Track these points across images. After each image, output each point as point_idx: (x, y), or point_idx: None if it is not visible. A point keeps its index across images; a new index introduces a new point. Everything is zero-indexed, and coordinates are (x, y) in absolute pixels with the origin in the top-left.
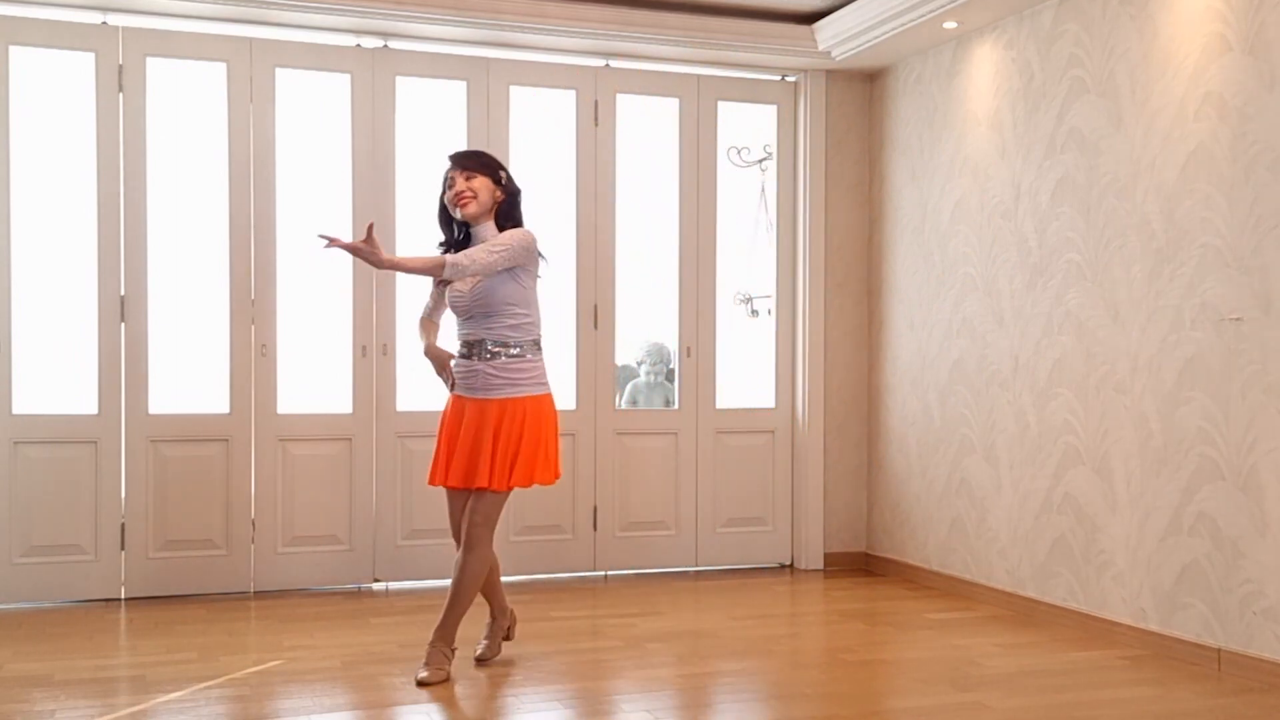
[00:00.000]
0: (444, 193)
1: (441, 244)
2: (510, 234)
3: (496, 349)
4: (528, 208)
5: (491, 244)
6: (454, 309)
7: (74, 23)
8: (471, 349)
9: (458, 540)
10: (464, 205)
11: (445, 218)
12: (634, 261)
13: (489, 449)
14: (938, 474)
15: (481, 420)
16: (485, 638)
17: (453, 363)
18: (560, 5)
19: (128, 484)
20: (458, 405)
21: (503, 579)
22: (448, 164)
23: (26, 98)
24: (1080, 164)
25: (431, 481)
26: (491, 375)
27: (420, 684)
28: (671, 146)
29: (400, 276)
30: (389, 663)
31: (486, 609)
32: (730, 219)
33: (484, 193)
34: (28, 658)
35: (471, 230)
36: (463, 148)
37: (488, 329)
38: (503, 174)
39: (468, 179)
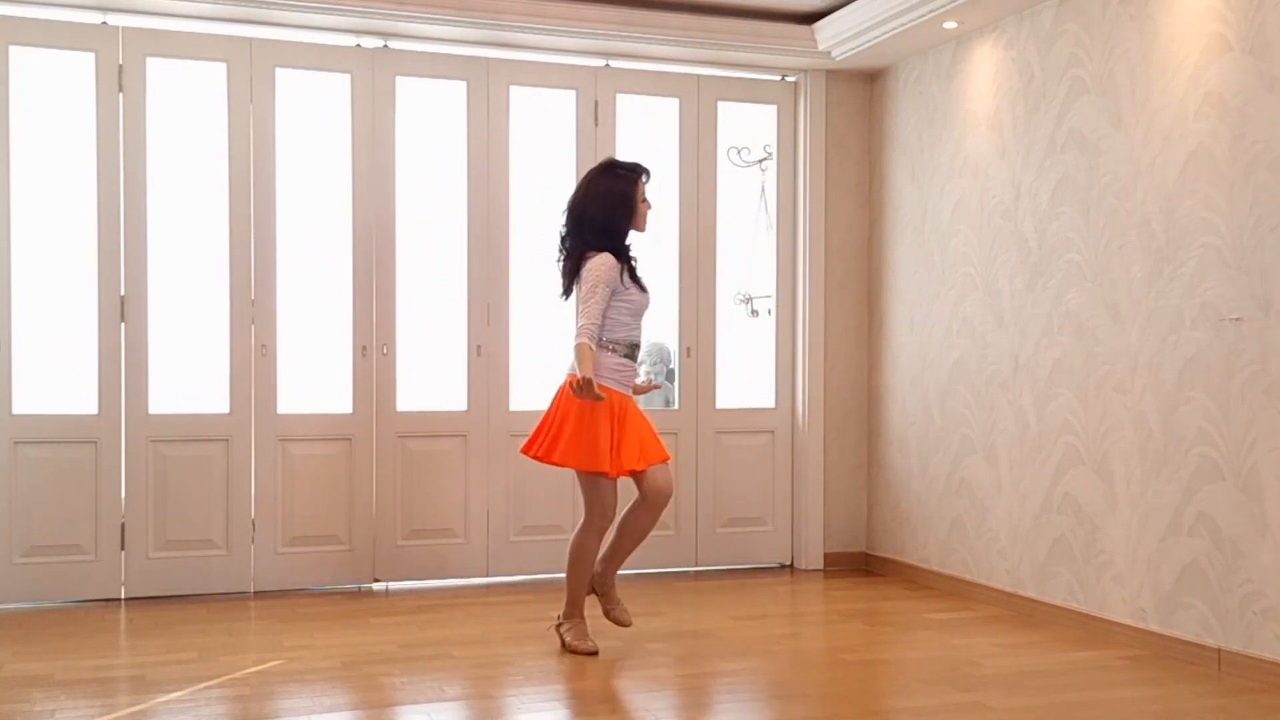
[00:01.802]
0: (634, 197)
1: (618, 242)
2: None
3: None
4: (527, 208)
5: (584, 291)
6: (634, 313)
7: (74, 23)
8: (633, 350)
9: (610, 525)
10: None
11: (625, 222)
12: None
13: (649, 431)
14: (938, 474)
15: (634, 409)
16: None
17: (614, 362)
18: (560, 5)
19: (128, 484)
20: (620, 400)
21: (503, 579)
22: (638, 170)
23: (26, 98)
24: (1080, 164)
25: (625, 471)
26: (636, 372)
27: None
28: (671, 146)
29: (400, 276)
30: (389, 663)
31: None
32: (730, 219)
33: None
34: (28, 658)
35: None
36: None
37: (642, 332)
38: None
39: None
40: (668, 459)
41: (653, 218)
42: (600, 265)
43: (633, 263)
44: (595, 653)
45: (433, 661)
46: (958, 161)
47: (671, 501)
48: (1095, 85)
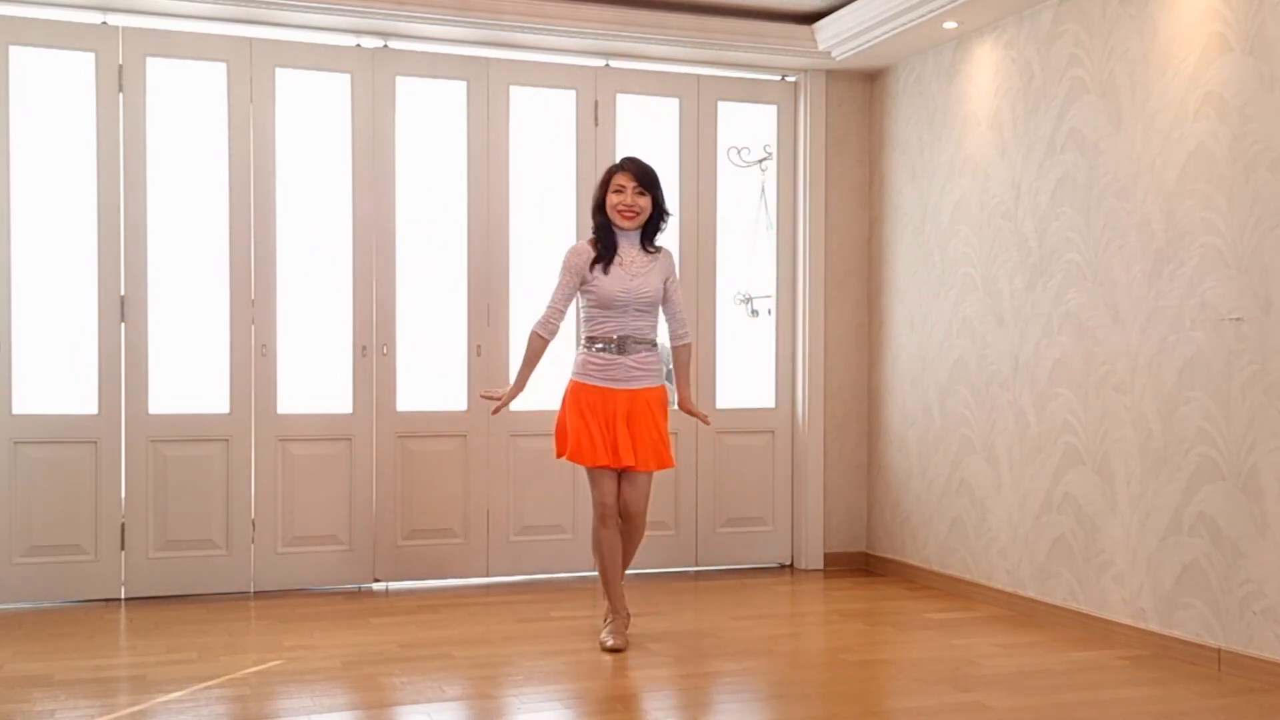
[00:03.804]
0: (605, 190)
1: (594, 231)
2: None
3: (641, 344)
4: (528, 208)
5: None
6: (600, 305)
7: (74, 23)
8: (608, 344)
9: (611, 515)
10: (630, 219)
11: (600, 210)
12: None
13: (646, 436)
14: (938, 474)
15: (640, 409)
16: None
17: (583, 357)
18: (560, 5)
19: (128, 484)
20: (602, 394)
21: (503, 579)
22: (618, 163)
23: (26, 98)
24: (1080, 164)
25: (594, 462)
26: (634, 367)
27: (613, 650)
28: (671, 146)
29: (400, 276)
30: (389, 663)
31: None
32: (730, 219)
33: (644, 213)
34: (28, 658)
35: (618, 233)
36: (635, 156)
37: (629, 324)
38: (661, 194)
39: (639, 194)
40: (646, 469)
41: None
42: (567, 251)
43: (613, 252)
44: (614, 650)
45: (433, 661)
46: (958, 161)
47: (672, 501)
48: (1095, 85)
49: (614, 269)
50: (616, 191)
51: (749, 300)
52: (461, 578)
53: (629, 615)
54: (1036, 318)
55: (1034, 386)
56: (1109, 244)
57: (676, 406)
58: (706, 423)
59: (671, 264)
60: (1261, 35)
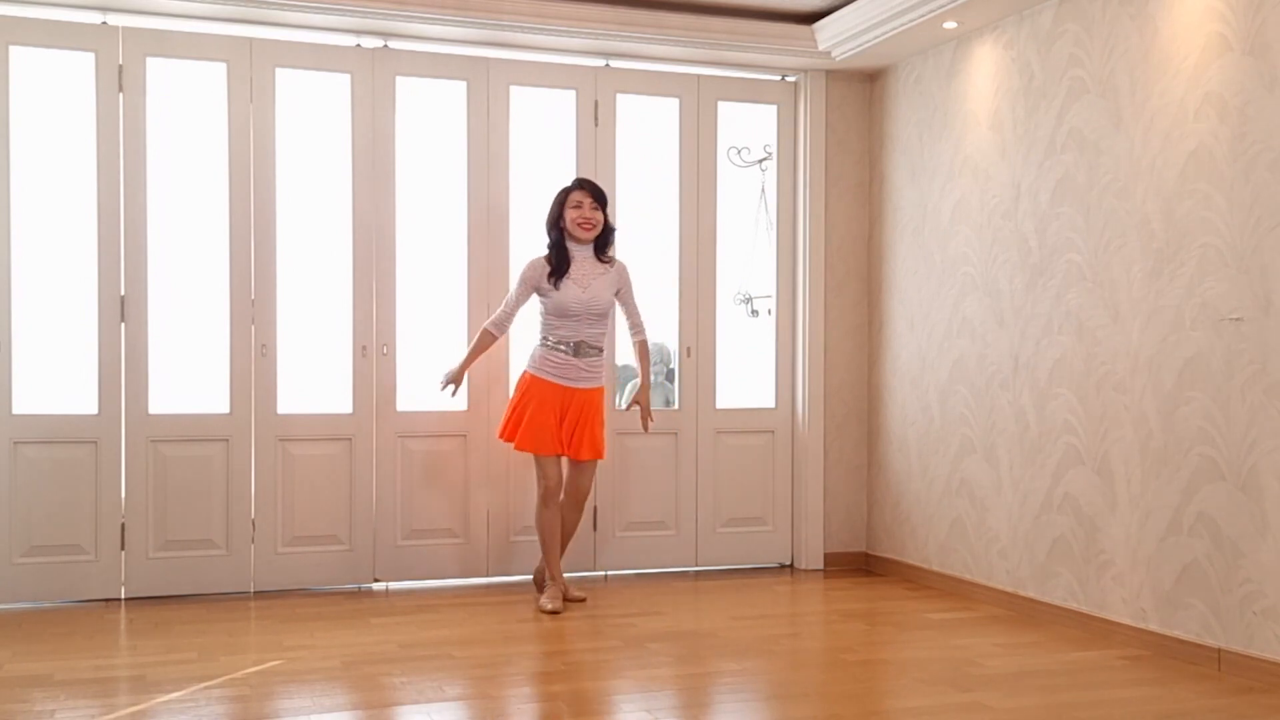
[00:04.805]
0: (561, 206)
1: (548, 248)
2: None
3: (593, 349)
4: (527, 208)
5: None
6: (557, 313)
7: (74, 23)
8: (568, 346)
9: (555, 497)
10: (589, 231)
11: (555, 225)
12: (634, 261)
13: (588, 429)
14: (938, 474)
15: (584, 404)
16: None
17: (542, 354)
18: (560, 5)
19: (128, 484)
20: (549, 388)
21: (503, 579)
22: (573, 184)
23: (26, 98)
24: (1080, 164)
25: (548, 451)
26: (583, 369)
27: (551, 613)
28: (671, 146)
29: (400, 276)
30: (389, 663)
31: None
32: (730, 219)
33: (599, 226)
34: (28, 658)
35: (569, 245)
36: (587, 178)
37: (586, 331)
38: (608, 212)
39: (594, 209)
40: (592, 458)
41: (652, 217)
42: (525, 265)
43: (566, 266)
44: (552, 613)
45: (433, 661)
46: (958, 161)
47: (672, 501)
48: (1095, 85)
49: (568, 283)
50: (574, 207)
51: (749, 300)
52: (461, 578)
53: (567, 585)
54: (1036, 318)
55: (1034, 386)
56: (1109, 244)
57: (633, 397)
58: (645, 427)
59: (625, 276)
60: (1261, 35)
